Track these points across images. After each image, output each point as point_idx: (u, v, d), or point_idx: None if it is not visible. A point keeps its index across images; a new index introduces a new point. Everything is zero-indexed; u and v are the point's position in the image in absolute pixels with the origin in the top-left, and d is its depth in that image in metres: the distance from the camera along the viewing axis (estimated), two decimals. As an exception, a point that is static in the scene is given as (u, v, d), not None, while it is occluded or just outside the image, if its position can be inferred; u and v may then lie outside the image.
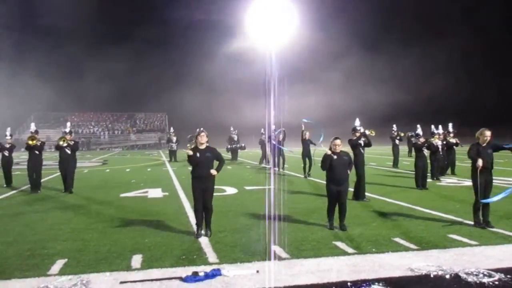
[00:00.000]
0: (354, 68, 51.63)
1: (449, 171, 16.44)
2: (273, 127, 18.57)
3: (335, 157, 7.55)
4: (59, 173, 13.43)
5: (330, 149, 7.72)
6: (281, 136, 18.05)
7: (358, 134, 10.86)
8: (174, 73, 57.89)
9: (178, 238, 7.04)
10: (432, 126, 15.55)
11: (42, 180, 13.68)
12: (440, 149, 14.62)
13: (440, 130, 16.18)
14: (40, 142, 13.23)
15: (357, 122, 11.12)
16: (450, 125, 16.93)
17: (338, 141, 7.68)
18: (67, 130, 13.31)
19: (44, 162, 13.58)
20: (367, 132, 10.97)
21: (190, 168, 7.25)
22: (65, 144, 12.66)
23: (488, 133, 7.62)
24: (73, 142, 13.00)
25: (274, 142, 17.98)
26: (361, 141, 10.79)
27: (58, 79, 48.09)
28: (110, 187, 14.03)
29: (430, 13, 57.21)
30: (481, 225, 7.50)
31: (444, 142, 15.87)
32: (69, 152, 12.79)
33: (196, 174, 7.08)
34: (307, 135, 16.39)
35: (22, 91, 44.63)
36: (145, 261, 5.82)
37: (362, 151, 10.84)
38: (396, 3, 53.46)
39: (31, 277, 5.28)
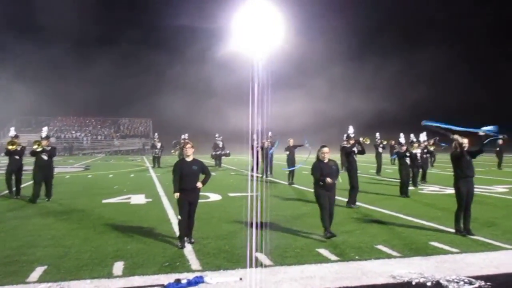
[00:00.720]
0: (339, 76, 52.11)
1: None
2: (269, 133, 18.64)
3: (321, 183, 7.44)
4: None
5: (318, 157, 7.70)
6: (269, 143, 18.17)
7: (352, 142, 10.98)
8: (159, 78, 57.71)
9: (161, 245, 6.97)
10: (412, 135, 15.83)
11: (22, 186, 13.42)
12: (418, 157, 14.80)
13: (421, 139, 16.48)
14: (20, 146, 12.96)
15: (351, 130, 11.27)
16: (422, 134, 17.22)
17: (326, 149, 7.65)
18: (43, 135, 12.47)
19: (25, 167, 13.27)
20: (361, 139, 11.13)
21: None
22: (39, 149, 11.82)
23: (465, 141, 7.74)
24: (49, 148, 12.27)
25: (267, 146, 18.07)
26: (355, 149, 10.93)
27: (40, 82, 47.37)
28: (92, 193, 13.83)
29: (415, 21, 58.10)
30: (462, 233, 7.60)
31: (425, 150, 16.19)
32: (45, 158, 11.99)
33: (182, 187, 7.03)
34: (291, 142, 16.56)
35: (3, 95, 43.85)
36: (127, 268, 5.75)
37: (355, 158, 10.97)
38: (381, 11, 54.25)
39: (9, 284, 5.17)
